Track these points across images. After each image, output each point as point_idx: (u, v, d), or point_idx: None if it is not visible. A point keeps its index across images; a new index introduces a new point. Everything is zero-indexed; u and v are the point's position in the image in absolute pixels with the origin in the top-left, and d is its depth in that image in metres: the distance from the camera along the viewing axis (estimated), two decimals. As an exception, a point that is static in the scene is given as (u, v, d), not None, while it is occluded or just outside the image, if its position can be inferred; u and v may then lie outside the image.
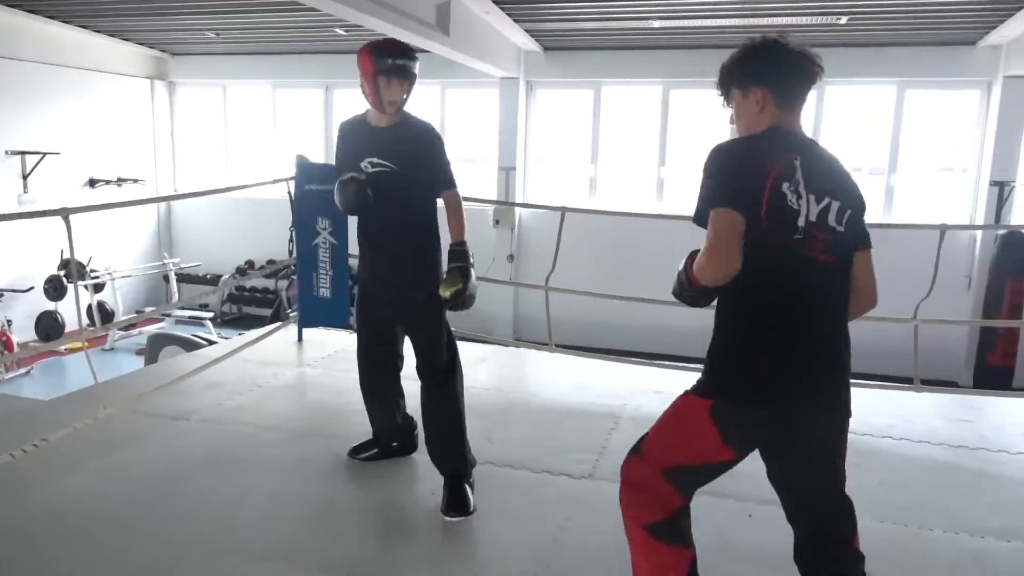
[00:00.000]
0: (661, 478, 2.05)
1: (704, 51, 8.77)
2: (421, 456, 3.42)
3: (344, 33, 9.05)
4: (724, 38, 8.40)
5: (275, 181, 4.86)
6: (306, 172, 4.78)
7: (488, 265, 8.86)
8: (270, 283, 10.67)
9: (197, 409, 4.09)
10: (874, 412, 4.34)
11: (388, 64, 2.85)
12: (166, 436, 3.77)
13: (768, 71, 2.00)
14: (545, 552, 2.83)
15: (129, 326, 9.48)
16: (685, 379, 4.62)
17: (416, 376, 3.15)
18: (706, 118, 9.15)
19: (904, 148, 8.51)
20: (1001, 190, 7.99)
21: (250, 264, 11.09)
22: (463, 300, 2.92)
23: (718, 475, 2.11)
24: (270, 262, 10.94)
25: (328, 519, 3.03)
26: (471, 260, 2.95)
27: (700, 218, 1.94)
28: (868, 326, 8.16)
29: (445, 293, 2.90)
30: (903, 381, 5.77)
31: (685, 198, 9.18)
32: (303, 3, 6.07)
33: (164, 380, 4.31)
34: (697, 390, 2.04)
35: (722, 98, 2.13)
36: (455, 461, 3.11)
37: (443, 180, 3.03)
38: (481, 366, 5.04)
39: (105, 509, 3.04)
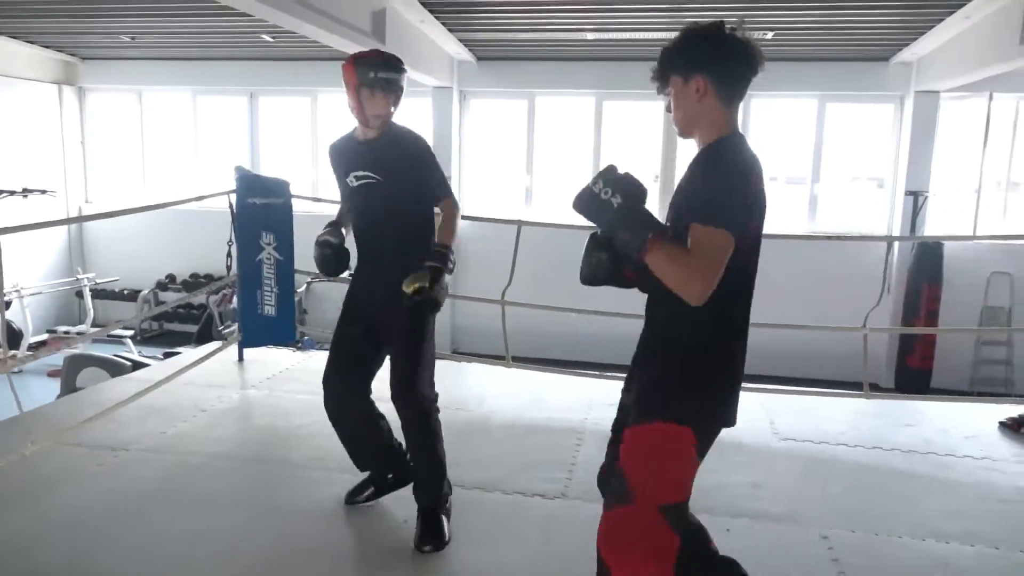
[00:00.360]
0: (662, 519, 1.94)
1: (636, 63, 8.88)
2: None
3: (271, 39, 8.76)
4: (656, 52, 8.57)
5: (217, 194, 4.60)
6: (248, 184, 4.57)
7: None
8: (195, 299, 10.19)
9: (137, 438, 3.82)
10: (827, 419, 4.48)
11: (371, 77, 2.74)
12: (106, 470, 3.49)
13: (711, 58, 1.91)
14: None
15: (38, 344, 8.86)
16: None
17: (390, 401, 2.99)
18: (638, 129, 9.34)
19: (826, 159, 8.87)
20: (915, 200, 8.42)
21: (171, 278, 10.58)
22: (425, 300, 2.70)
23: None
24: (193, 276, 10.48)
25: (294, 555, 2.87)
26: (449, 265, 2.79)
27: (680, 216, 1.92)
28: (813, 335, 8.31)
29: (408, 288, 2.71)
30: (819, 384, 6.03)
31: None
32: (234, 8, 5.81)
33: (97, 408, 4.00)
34: (673, 417, 1.94)
35: (658, 84, 2.01)
36: (432, 492, 2.97)
37: (443, 187, 2.90)
38: (449, 379, 4.93)
39: (42, 559, 2.78)
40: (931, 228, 8.44)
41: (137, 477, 3.44)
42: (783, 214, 9.02)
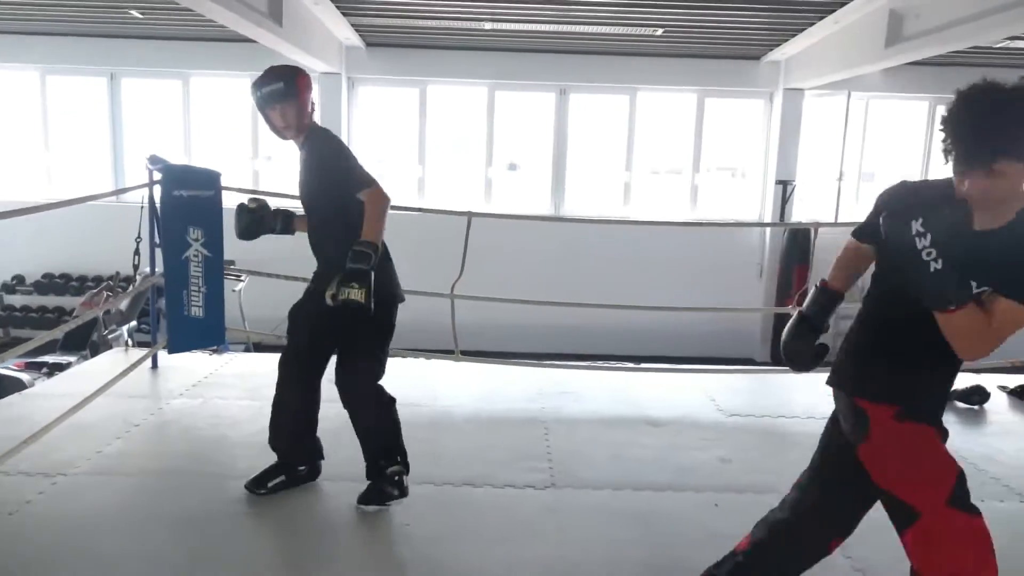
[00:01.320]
0: (954, 512, 1.91)
1: (529, 54, 9.05)
2: (341, 484, 3.21)
3: (140, 16, 8.02)
4: (549, 43, 8.74)
5: (136, 187, 4.18)
6: (173, 176, 4.19)
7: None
8: (48, 301, 9.19)
9: (72, 461, 3.42)
10: (759, 394, 4.80)
11: (257, 98, 2.93)
12: (48, 498, 3.10)
13: None
14: (557, 569, 2.76)
15: None
16: (587, 378, 4.83)
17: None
18: (530, 120, 9.46)
19: (705, 151, 9.43)
20: (784, 188, 9.17)
21: (19, 280, 9.47)
22: (346, 304, 2.74)
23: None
24: (47, 276, 9.45)
25: (272, 571, 2.71)
26: (370, 263, 2.79)
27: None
28: (692, 316, 8.62)
29: (328, 298, 2.80)
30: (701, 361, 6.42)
31: (511, 199, 9.41)
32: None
33: (14, 431, 3.53)
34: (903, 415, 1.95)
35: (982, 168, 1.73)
36: (378, 480, 3.06)
37: (356, 182, 2.94)
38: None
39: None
40: (798, 214, 9.22)
41: (83, 505, 3.08)
42: (666, 203, 9.50)
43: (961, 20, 5.89)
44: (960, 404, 4.64)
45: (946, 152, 1.80)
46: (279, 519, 3.06)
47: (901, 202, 1.96)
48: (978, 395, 4.62)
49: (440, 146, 9.57)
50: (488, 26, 8.22)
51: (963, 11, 5.83)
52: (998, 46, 7.60)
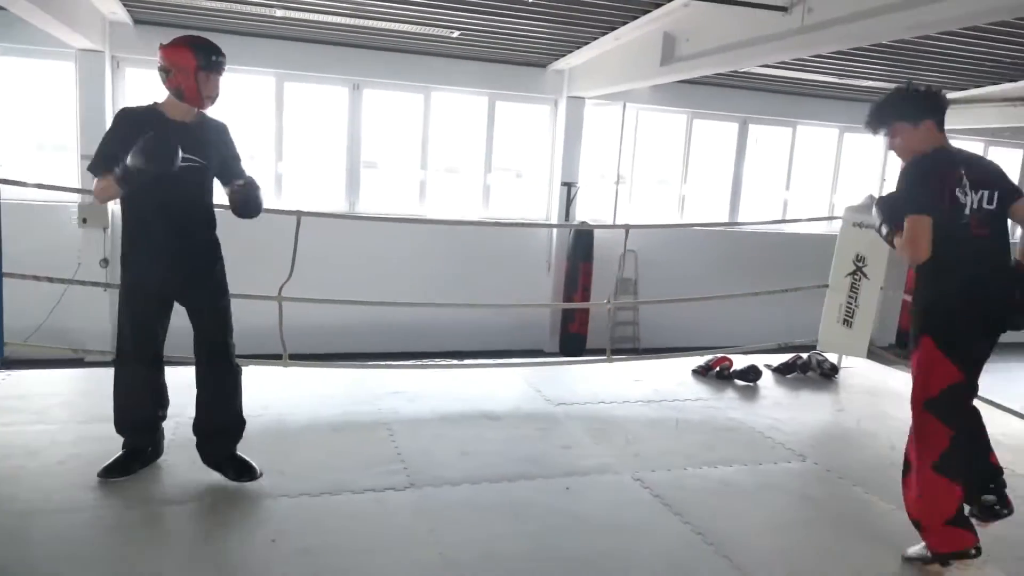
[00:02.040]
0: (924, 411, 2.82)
1: (322, 46, 8.77)
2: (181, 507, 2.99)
3: None
4: (343, 36, 8.54)
5: None
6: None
7: (75, 270, 7.54)
8: None
9: None
10: (576, 382, 5.15)
11: (212, 60, 2.96)
12: None
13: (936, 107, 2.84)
14: (442, 571, 2.79)
15: None
16: (416, 377, 4.86)
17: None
18: (321, 113, 9.16)
19: (497, 152, 9.79)
20: (568, 190, 9.82)
21: None
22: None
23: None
24: None
25: None
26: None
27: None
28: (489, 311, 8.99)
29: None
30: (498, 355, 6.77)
31: (302, 196, 9.00)
32: None
33: None
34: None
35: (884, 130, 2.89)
36: (237, 438, 3.33)
37: (241, 172, 3.25)
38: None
39: None
40: (582, 214, 9.93)
41: None
42: (460, 202, 9.73)
43: (725, 47, 6.74)
44: (738, 382, 5.36)
45: (876, 133, 2.94)
46: (123, 547, 2.75)
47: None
48: (753, 373, 5.37)
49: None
50: (279, 13, 7.83)
51: (727, 39, 6.68)
52: (753, 71, 8.78)
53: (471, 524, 3.12)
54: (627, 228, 5.77)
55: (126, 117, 3.04)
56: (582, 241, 9.64)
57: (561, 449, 3.98)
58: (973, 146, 11.38)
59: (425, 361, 5.33)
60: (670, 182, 10.54)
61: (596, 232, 9.70)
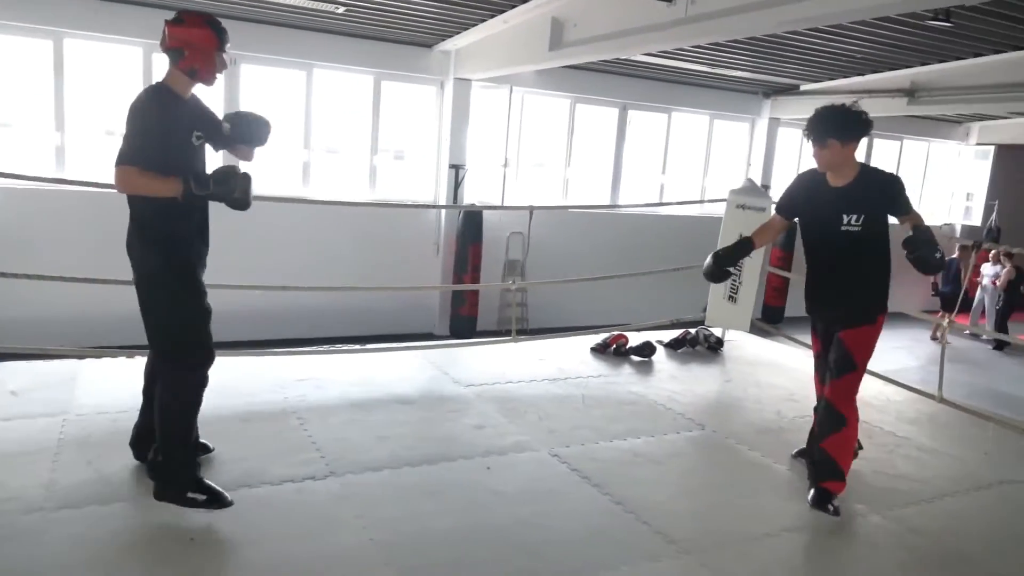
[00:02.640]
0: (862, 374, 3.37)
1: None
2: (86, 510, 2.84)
3: None
4: (212, 5, 8.06)
5: None
6: None
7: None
8: None
9: None
10: (483, 363, 5.20)
11: (226, 39, 2.89)
12: None
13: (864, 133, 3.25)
14: (375, 553, 2.76)
15: None
16: (318, 363, 4.73)
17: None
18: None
19: (383, 133, 9.61)
20: (456, 172, 9.80)
21: None
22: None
23: None
24: None
25: None
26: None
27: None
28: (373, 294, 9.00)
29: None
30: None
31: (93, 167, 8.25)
32: None
33: None
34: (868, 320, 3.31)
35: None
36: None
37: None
38: (75, 384, 4.10)
39: None
40: (470, 196, 9.94)
41: None
42: (344, 184, 9.49)
43: (612, 35, 6.94)
44: (635, 357, 5.60)
45: (808, 139, 3.27)
46: (34, 549, 2.54)
47: (798, 186, 3.50)
48: (648, 349, 5.62)
49: (85, 111, 8.20)
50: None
51: (614, 27, 6.87)
52: (632, 59, 9.07)
53: (397, 507, 3.10)
54: (531, 209, 5.82)
55: (172, 109, 2.80)
56: (471, 223, 9.67)
57: (476, 429, 4.02)
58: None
59: (327, 347, 5.20)
60: (554, 165, 10.74)
61: (484, 214, 9.76)
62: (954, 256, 11.19)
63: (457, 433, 3.95)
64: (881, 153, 12.86)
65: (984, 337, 11.41)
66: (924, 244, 3.13)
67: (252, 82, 8.76)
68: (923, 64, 9.10)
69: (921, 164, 13.25)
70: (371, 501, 3.14)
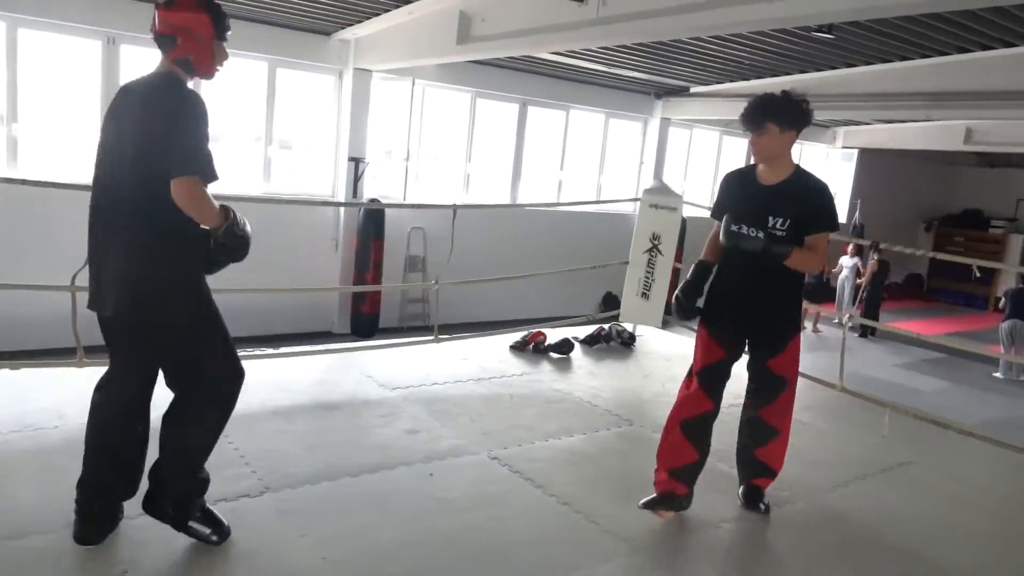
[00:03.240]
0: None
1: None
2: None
3: None
4: None
5: None
6: None
7: None
8: None
9: None
10: (401, 366, 5.08)
11: (227, 25, 2.57)
12: None
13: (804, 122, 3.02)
14: (322, 571, 2.63)
15: None
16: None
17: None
18: (74, 73, 7.95)
19: (278, 123, 9.19)
20: (356, 165, 9.52)
21: None
22: None
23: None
24: None
25: None
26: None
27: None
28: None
29: None
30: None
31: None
32: None
33: None
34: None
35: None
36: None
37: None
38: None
39: None
40: (370, 191, 9.69)
41: None
42: (239, 176, 9.01)
43: (522, 32, 6.94)
44: (553, 354, 5.65)
45: (743, 125, 3.01)
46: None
47: (726, 186, 3.21)
48: (566, 346, 5.69)
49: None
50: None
51: (524, 24, 6.88)
52: (551, 59, 9.13)
53: (342, 521, 2.97)
54: (455, 208, 5.72)
55: (196, 96, 2.45)
56: (373, 218, 9.43)
57: (410, 434, 3.92)
58: (709, 136, 12.95)
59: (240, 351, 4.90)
60: (455, 160, 10.65)
61: (387, 209, 9.55)
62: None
63: (391, 439, 3.84)
64: (760, 154, 13.61)
65: (850, 325, 12.35)
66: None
67: (132, 65, 8.13)
68: (802, 72, 9.68)
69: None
70: (314, 516, 3.00)
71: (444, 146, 10.56)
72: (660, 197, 5.99)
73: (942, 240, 16.65)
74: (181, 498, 2.66)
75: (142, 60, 8.13)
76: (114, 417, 2.62)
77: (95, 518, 2.62)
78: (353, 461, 3.52)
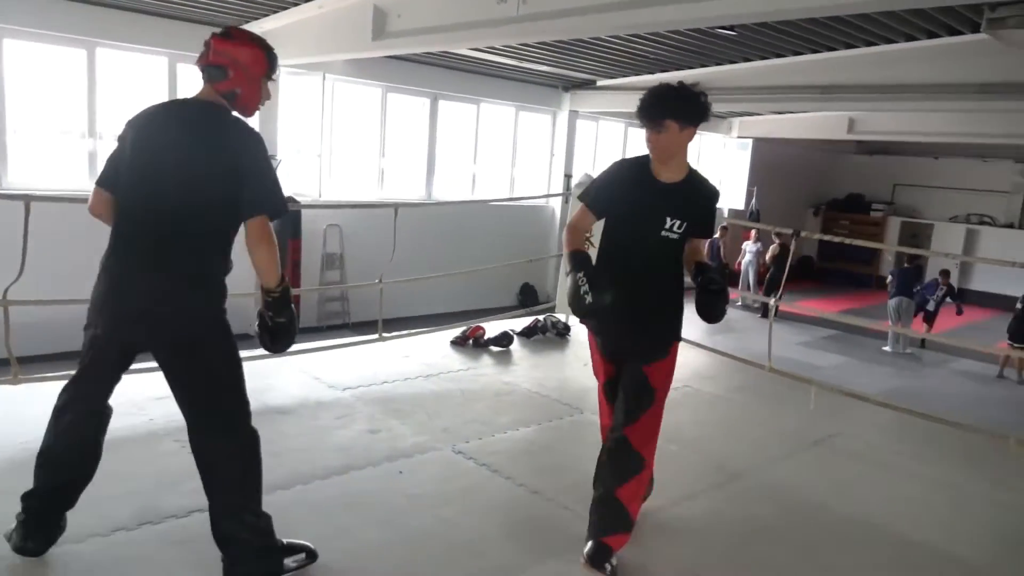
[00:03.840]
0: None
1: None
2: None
3: None
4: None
5: None
6: None
7: None
8: None
9: None
10: (348, 367, 5.03)
11: (276, 66, 2.56)
12: None
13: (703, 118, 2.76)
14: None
15: None
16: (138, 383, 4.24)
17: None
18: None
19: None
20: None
21: None
22: None
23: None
24: None
25: None
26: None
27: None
28: None
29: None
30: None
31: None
32: None
33: None
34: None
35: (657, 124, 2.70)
36: None
37: None
38: None
39: None
40: (286, 189, 9.39)
41: None
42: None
43: (440, 28, 6.94)
44: (494, 348, 5.73)
45: (640, 120, 2.73)
46: None
47: (618, 178, 2.87)
48: (506, 339, 5.78)
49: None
50: None
51: (442, 20, 6.88)
52: (462, 53, 9.12)
53: (321, 524, 2.95)
54: (396, 207, 5.67)
55: (253, 129, 2.51)
56: (289, 217, 9.19)
57: (371, 434, 3.91)
58: (615, 127, 13.34)
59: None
60: (368, 155, 10.51)
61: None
62: (715, 236, 12.69)
63: (353, 440, 3.82)
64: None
65: (755, 305, 13.07)
66: (720, 294, 2.84)
67: (18, 61, 7.58)
68: (703, 66, 10.14)
69: (695, 154, 14.82)
70: (292, 521, 2.94)
71: (356, 141, 10.40)
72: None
73: (829, 223, 17.84)
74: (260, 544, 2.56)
75: (123, 67, 7.68)
76: (86, 418, 2.57)
77: (45, 528, 2.56)
78: (320, 464, 3.49)
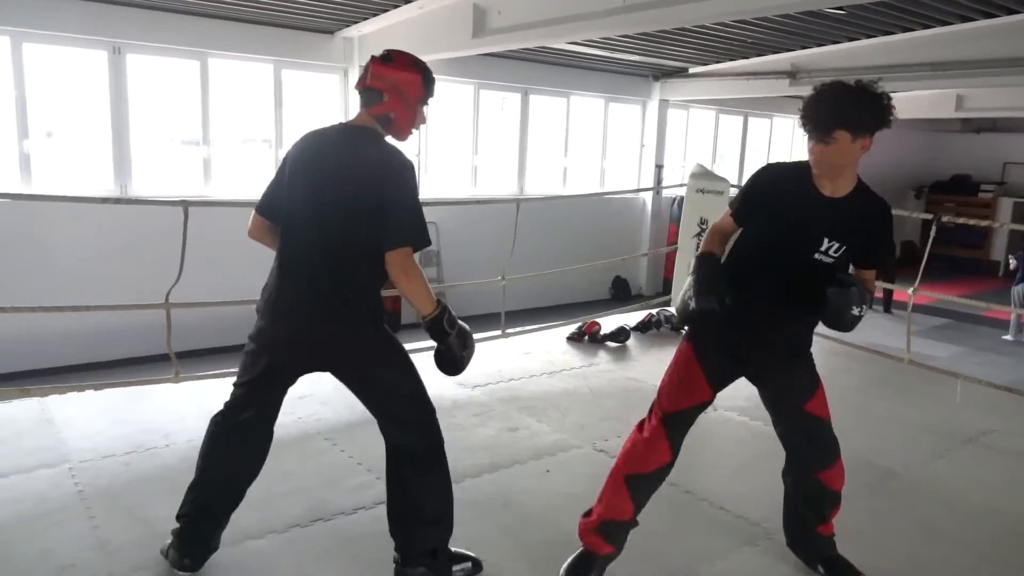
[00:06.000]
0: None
1: (69, 1, 7.38)
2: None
3: None
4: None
5: None
6: None
7: None
8: None
9: None
10: (471, 363, 5.06)
11: (433, 92, 2.53)
12: None
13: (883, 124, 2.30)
14: None
15: None
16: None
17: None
18: (78, 82, 7.76)
19: (287, 123, 9.05)
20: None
21: None
22: None
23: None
24: None
25: None
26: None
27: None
28: None
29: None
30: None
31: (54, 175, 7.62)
32: None
33: None
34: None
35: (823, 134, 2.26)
36: None
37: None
38: (56, 427, 3.60)
39: None
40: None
41: None
42: (247, 180, 8.88)
43: (542, 22, 6.91)
44: (610, 343, 5.69)
45: (804, 127, 2.32)
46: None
47: (770, 186, 2.49)
48: (623, 334, 5.73)
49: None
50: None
51: (542, 14, 6.84)
52: (555, 46, 9.08)
53: (481, 525, 2.98)
54: (518, 202, 5.72)
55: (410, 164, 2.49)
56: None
57: (511, 432, 3.93)
58: (706, 115, 13.03)
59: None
60: (462, 153, 10.58)
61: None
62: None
63: (494, 438, 3.85)
64: (754, 131, 13.79)
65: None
66: (850, 290, 2.35)
67: (140, 74, 7.96)
68: (803, 48, 9.78)
69: (788, 140, 14.35)
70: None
71: (449, 139, 10.49)
72: (706, 182, 6.07)
73: (933, 206, 16.98)
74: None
75: (148, 69, 8.00)
76: (252, 447, 2.56)
77: (200, 545, 2.53)
78: (468, 462, 3.52)
